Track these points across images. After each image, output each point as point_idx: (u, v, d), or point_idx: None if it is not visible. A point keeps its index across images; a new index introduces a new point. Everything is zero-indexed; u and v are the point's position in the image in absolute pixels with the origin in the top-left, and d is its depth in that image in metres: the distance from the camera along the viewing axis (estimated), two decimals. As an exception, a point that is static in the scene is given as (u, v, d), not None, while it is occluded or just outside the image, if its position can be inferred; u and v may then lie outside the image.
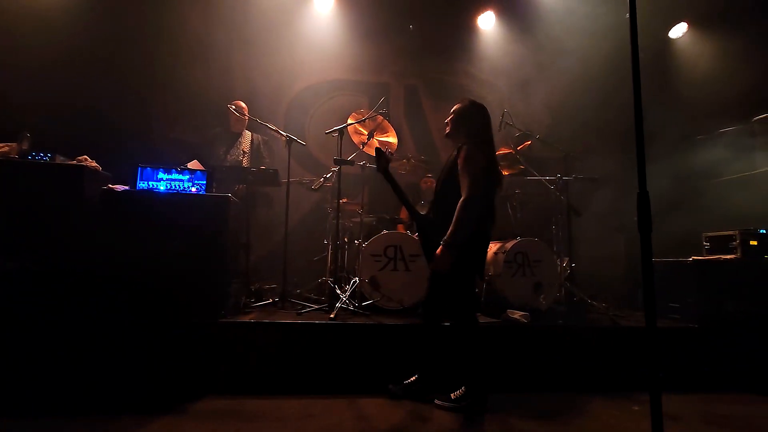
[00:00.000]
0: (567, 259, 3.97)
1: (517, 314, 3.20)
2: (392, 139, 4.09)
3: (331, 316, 3.02)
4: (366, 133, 3.92)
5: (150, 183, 3.06)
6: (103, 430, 2.11)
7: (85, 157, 2.95)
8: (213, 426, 2.18)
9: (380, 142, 4.04)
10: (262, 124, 3.83)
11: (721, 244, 3.47)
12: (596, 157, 4.53)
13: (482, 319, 3.10)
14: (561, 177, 3.92)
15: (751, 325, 3.12)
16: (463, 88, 5.57)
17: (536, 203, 4.35)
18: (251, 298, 3.52)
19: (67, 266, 2.62)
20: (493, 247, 3.72)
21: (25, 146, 2.90)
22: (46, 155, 2.87)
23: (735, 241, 3.34)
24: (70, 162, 2.90)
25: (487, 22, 5.48)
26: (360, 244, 3.57)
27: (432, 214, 2.66)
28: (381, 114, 3.85)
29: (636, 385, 2.80)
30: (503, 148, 4.07)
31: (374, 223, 4.00)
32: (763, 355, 3.02)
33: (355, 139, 3.93)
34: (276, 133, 3.83)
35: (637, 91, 1.51)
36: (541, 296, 3.49)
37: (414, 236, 3.45)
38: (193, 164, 3.45)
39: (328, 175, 4.02)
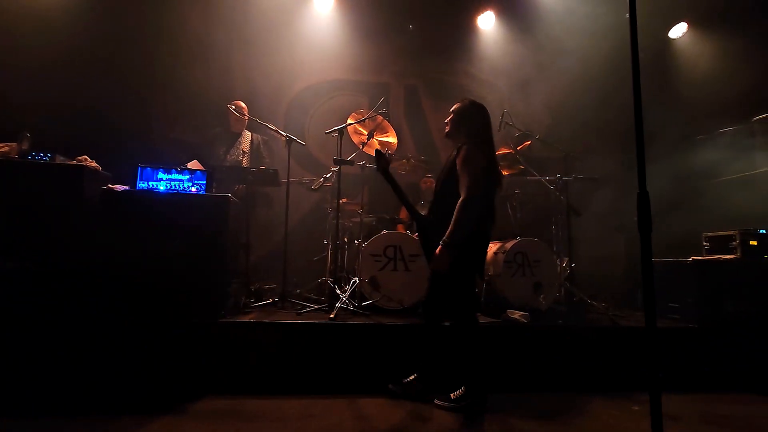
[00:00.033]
0: (567, 259, 3.97)
1: (516, 314, 3.20)
2: (392, 139, 4.10)
3: (331, 316, 3.02)
4: (366, 133, 3.92)
5: (150, 183, 3.06)
6: (103, 430, 2.11)
7: (85, 157, 2.95)
8: (213, 426, 2.18)
9: (380, 142, 4.04)
10: (262, 124, 3.83)
11: (720, 244, 3.46)
12: (596, 157, 4.53)
13: (482, 319, 3.10)
14: (561, 177, 3.92)
15: (751, 325, 3.12)
16: (463, 88, 5.57)
17: (536, 203, 4.36)
18: (251, 298, 3.52)
19: (67, 266, 2.62)
20: (492, 247, 3.72)
21: (25, 146, 2.90)
22: (46, 155, 2.87)
23: (735, 241, 3.34)
24: (70, 162, 2.90)
25: (487, 22, 5.48)
26: (360, 244, 3.57)
27: (432, 214, 2.66)
28: (381, 114, 3.85)
29: (636, 385, 2.80)
30: (503, 148, 4.07)
31: (374, 223, 4.00)
32: (763, 355, 3.02)
33: (355, 139, 3.93)
34: (276, 133, 3.83)
35: (637, 91, 1.51)
36: (541, 296, 3.49)
37: (414, 236, 3.45)
38: (193, 164, 3.45)
39: (327, 175, 4.02)
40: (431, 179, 4.52)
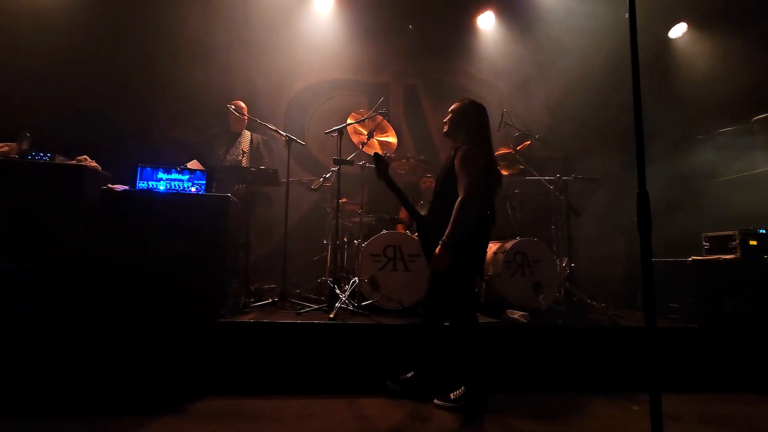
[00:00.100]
0: (566, 259, 3.97)
1: (516, 314, 3.20)
2: (392, 139, 4.10)
3: (331, 316, 3.02)
4: (365, 133, 3.92)
5: (150, 183, 3.06)
6: (103, 430, 2.11)
7: (85, 157, 2.95)
8: (213, 426, 2.18)
9: (380, 142, 4.04)
10: (261, 124, 3.83)
11: (720, 244, 3.46)
12: (596, 157, 4.54)
13: (482, 319, 3.10)
14: (560, 177, 3.92)
15: (750, 325, 3.12)
16: (463, 88, 5.57)
17: (536, 203, 4.36)
18: (251, 298, 3.52)
19: (67, 266, 2.62)
20: (492, 247, 3.73)
21: (25, 146, 2.90)
22: (46, 155, 2.87)
23: (735, 241, 3.34)
24: (70, 162, 2.90)
25: (486, 22, 5.48)
26: (359, 244, 3.57)
27: (431, 214, 2.66)
28: (380, 114, 3.85)
29: (636, 385, 2.80)
30: (503, 148, 4.07)
31: (374, 223, 4.01)
32: (763, 355, 3.02)
33: (355, 139, 3.93)
34: (275, 133, 3.83)
35: (637, 91, 1.51)
36: (541, 296, 3.49)
37: (413, 236, 3.45)
38: (193, 164, 3.45)
39: (327, 175, 4.02)
40: (431, 179, 4.52)
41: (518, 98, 5.30)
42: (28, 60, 4.10)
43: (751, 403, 2.82)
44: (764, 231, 3.34)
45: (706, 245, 3.60)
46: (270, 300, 3.54)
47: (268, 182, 3.76)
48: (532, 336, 3.04)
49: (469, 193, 2.36)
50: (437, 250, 2.39)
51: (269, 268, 4.24)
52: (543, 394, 2.81)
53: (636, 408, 2.59)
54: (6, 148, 2.83)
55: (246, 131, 4.35)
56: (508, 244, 3.54)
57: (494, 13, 5.44)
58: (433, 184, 2.88)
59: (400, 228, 4.05)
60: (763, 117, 4.00)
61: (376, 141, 4.01)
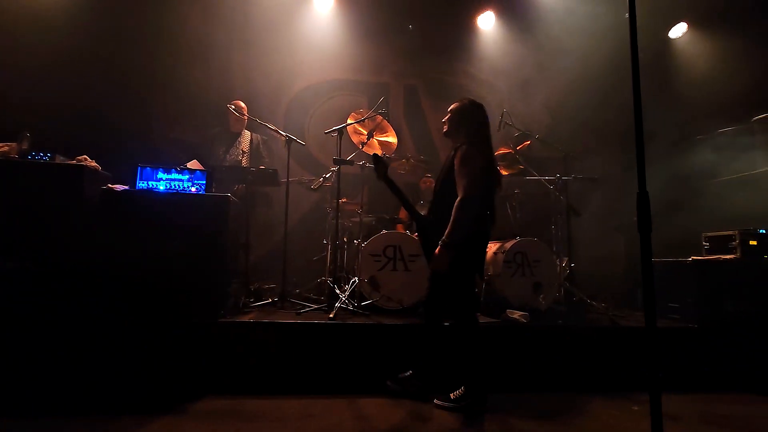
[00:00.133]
0: (566, 259, 3.97)
1: (516, 314, 3.20)
2: (392, 139, 4.10)
3: (331, 316, 3.02)
4: (365, 133, 3.92)
5: (150, 183, 3.06)
6: (103, 430, 2.11)
7: (85, 157, 2.95)
8: (213, 426, 2.18)
9: (380, 142, 4.05)
10: (261, 123, 3.83)
11: (720, 244, 3.46)
12: (596, 157, 4.53)
13: (482, 319, 3.10)
14: (560, 177, 3.92)
15: (751, 325, 3.12)
16: (463, 88, 5.57)
17: (536, 203, 4.35)
18: (251, 298, 3.52)
19: (67, 266, 2.62)
20: (492, 247, 3.73)
21: (25, 146, 2.90)
22: (45, 155, 2.87)
23: (735, 241, 3.34)
24: (69, 162, 2.90)
25: (486, 22, 5.48)
26: (359, 243, 3.57)
27: (431, 214, 2.66)
28: (380, 114, 3.85)
29: (636, 385, 2.80)
30: (503, 148, 4.07)
31: (373, 222, 4.01)
32: (763, 355, 3.02)
33: (355, 139, 3.93)
34: (275, 133, 3.83)
35: (637, 91, 1.51)
36: (541, 296, 3.49)
37: (413, 236, 3.45)
38: (193, 164, 3.45)
39: (327, 175, 4.02)
40: (431, 179, 4.52)
41: (518, 98, 5.29)
42: (28, 60, 4.10)
43: (751, 403, 2.83)
44: (764, 231, 3.34)
45: (706, 245, 3.60)
46: (270, 300, 3.54)
47: (268, 182, 3.76)
48: (532, 336, 3.04)
49: (468, 193, 2.36)
50: (437, 250, 2.39)
51: (269, 268, 4.23)
52: (543, 394, 2.81)
53: (636, 408, 2.60)
54: (6, 148, 2.83)
55: (246, 131, 4.35)
56: (508, 244, 3.54)
57: (494, 13, 5.44)
58: (433, 184, 2.88)
59: (400, 228, 4.05)
60: (763, 117, 4.00)
61: (376, 141, 4.01)
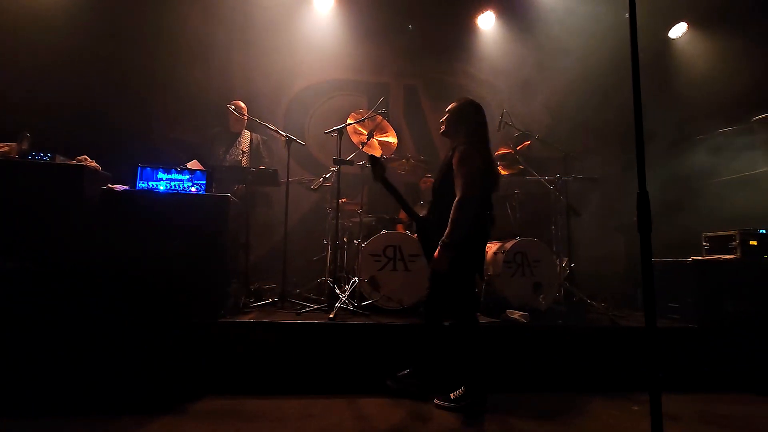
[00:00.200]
0: (566, 259, 3.97)
1: (516, 314, 3.20)
2: (392, 139, 4.10)
3: (331, 316, 3.02)
4: (365, 133, 3.92)
5: (150, 183, 3.06)
6: (103, 430, 2.11)
7: (85, 157, 2.95)
8: (213, 426, 2.18)
9: (380, 142, 4.04)
10: (261, 123, 3.83)
11: (720, 244, 3.46)
12: (596, 157, 4.53)
13: (482, 319, 3.10)
14: (560, 177, 3.93)
15: (751, 325, 3.12)
16: (463, 88, 5.57)
17: (536, 203, 4.35)
18: (251, 298, 3.52)
19: (67, 266, 2.62)
20: (492, 247, 3.73)
21: (25, 146, 2.90)
22: (46, 155, 2.87)
23: (735, 241, 3.34)
24: (70, 162, 2.90)
25: (487, 22, 5.48)
26: (359, 244, 3.57)
27: (430, 214, 2.67)
28: (380, 114, 3.85)
29: (636, 385, 2.80)
30: (503, 148, 4.07)
31: (373, 223, 4.00)
32: (763, 355, 3.02)
33: (355, 139, 3.93)
34: (275, 133, 3.83)
35: (637, 91, 1.51)
36: (541, 296, 3.49)
37: (413, 236, 3.45)
38: (193, 164, 3.45)
39: (327, 175, 4.02)
40: (431, 179, 4.51)
41: (518, 98, 5.29)
42: (28, 60, 4.10)
43: (751, 403, 2.83)
44: (764, 231, 3.34)
45: (706, 245, 3.60)
46: (270, 300, 3.54)
47: (268, 182, 3.76)
48: (532, 336, 3.04)
49: (467, 193, 2.36)
50: (437, 250, 2.39)
51: (269, 268, 4.23)
52: (543, 394, 2.81)
53: (636, 408, 2.60)
54: (6, 148, 2.83)
55: (246, 131, 4.35)
56: (508, 244, 3.54)
57: (494, 13, 5.44)
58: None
59: (400, 228, 4.05)
60: (763, 117, 4.00)
61: (376, 141, 4.01)
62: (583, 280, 4.06)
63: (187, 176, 3.11)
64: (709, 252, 3.56)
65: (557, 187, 3.91)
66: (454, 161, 2.45)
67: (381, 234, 3.50)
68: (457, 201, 2.37)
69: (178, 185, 3.09)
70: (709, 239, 3.59)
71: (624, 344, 3.07)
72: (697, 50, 5.04)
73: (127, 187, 2.97)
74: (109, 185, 2.91)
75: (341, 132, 3.63)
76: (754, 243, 3.31)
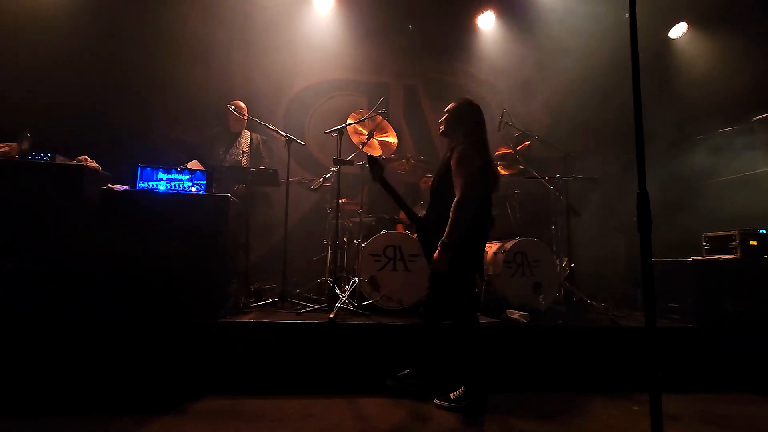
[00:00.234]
0: (566, 259, 3.97)
1: (516, 314, 3.20)
2: (392, 139, 4.10)
3: (331, 316, 3.02)
4: (365, 133, 3.92)
5: (150, 183, 3.06)
6: (103, 430, 2.11)
7: (85, 157, 2.95)
8: (213, 426, 2.18)
9: (380, 142, 4.05)
10: (261, 124, 3.83)
11: (720, 244, 3.46)
12: (596, 157, 4.53)
13: (482, 319, 3.09)
14: (560, 177, 3.93)
15: (751, 325, 3.12)
16: (463, 88, 5.57)
17: (536, 203, 4.35)
18: (251, 298, 3.52)
19: (67, 266, 2.62)
20: (492, 247, 3.73)
21: (25, 146, 2.90)
22: (46, 155, 2.87)
23: (735, 241, 3.34)
24: (70, 162, 2.90)
25: (487, 22, 5.48)
26: (359, 244, 3.57)
27: (429, 214, 2.67)
28: (380, 114, 3.86)
29: (636, 385, 2.80)
30: (503, 148, 4.07)
31: (373, 223, 4.00)
32: (763, 355, 3.02)
33: (355, 139, 3.93)
34: (275, 133, 3.83)
35: (637, 91, 1.51)
36: (541, 296, 3.49)
37: (413, 236, 3.45)
38: (193, 164, 3.45)
39: (327, 175, 4.02)
40: (431, 179, 4.51)
41: (518, 98, 5.29)
42: (28, 60, 4.10)
43: (751, 403, 2.83)
44: (764, 231, 3.34)
45: (706, 245, 3.60)
46: (270, 300, 3.54)
47: (268, 182, 3.76)
48: (532, 336, 3.04)
49: (465, 193, 2.36)
50: (437, 251, 2.39)
51: (269, 268, 4.23)
52: (543, 394, 2.81)
53: (636, 408, 2.60)
54: (6, 148, 2.83)
55: (246, 131, 4.35)
56: (508, 244, 3.54)
57: (494, 13, 5.44)
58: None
59: (400, 228, 4.05)
60: (763, 117, 4.00)
61: (376, 141, 4.01)
62: (583, 280, 4.06)
63: (187, 176, 3.11)
64: (709, 252, 3.55)
65: (557, 187, 3.91)
66: (452, 161, 2.45)
67: (381, 234, 3.50)
68: (456, 201, 2.37)
69: (178, 185, 3.09)
70: (709, 239, 3.59)
71: (624, 344, 3.07)
72: (697, 50, 5.04)
73: (127, 187, 2.97)
74: (109, 185, 2.91)
75: (341, 132, 3.63)
76: (754, 243, 3.31)
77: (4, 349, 2.43)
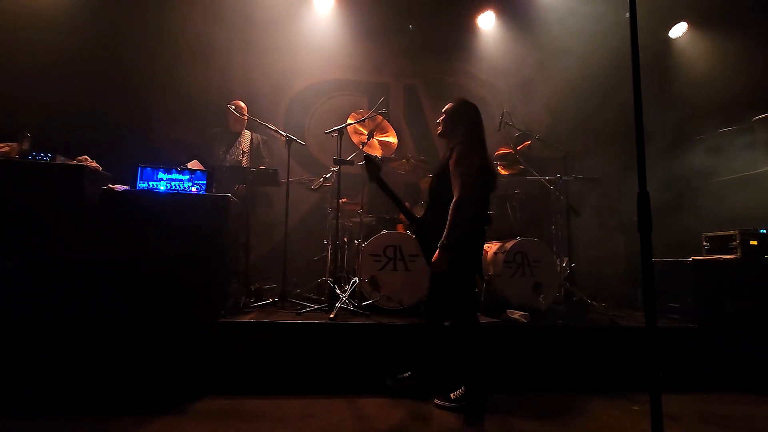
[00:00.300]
0: (566, 259, 3.97)
1: (516, 314, 3.20)
2: (392, 138, 4.10)
3: (331, 316, 3.02)
4: (366, 133, 3.92)
5: (150, 183, 3.06)
6: (103, 430, 2.11)
7: (86, 157, 2.95)
8: (213, 426, 2.18)
9: (380, 142, 4.05)
10: (261, 123, 3.83)
11: (721, 244, 3.46)
12: (596, 157, 4.53)
13: (482, 319, 3.09)
14: (561, 177, 3.93)
15: (751, 325, 3.12)
16: (463, 88, 5.57)
17: (536, 203, 4.35)
18: (251, 298, 3.52)
19: (67, 266, 2.62)
20: (492, 247, 3.73)
21: (25, 146, 2.91)
22: (46, 155, 2.87)
23: (735, 241, 3.34)
24: (70, 162, 2.91)
25: (487, 22, 5.48)
26: (360, 243, 3.57)
27: (427, 214, 2.67)
28: (380, 114, 3.86)
29: (636, 385, 2.80)
30: (503, 148, 4.07)
31: (374, 223, 4.00)
32: (763, 355, 3.02)
33: (355, 139, 3.93)
34: (275, 133, 3.83)
35: (637, 91, 1.51)
36: (541, 296, 3.49)
37: (413, 236, 3.45)
38: (193, 164, 3.45)
39: (327, 175, 4.02)
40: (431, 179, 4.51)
41: (518, 98, 5.29)
42: (28, 60, 4.10)
43: (751, 403, 2.83)
44: (764, 231, 3.33)
45: (707, 245, 3.60)
46: (270, 300, 3.54)
47: (268, 182, 3.76)
48: (532, 336, 3.04)
49: (464, 194, 2.36)
50: (436, 252, 2.39)
51: (269, 268, 4.24)
52: (543, 394, 2.81)
53: (636, 408, 2.60)
54: (7, 149, 2.83)
55: (246, 131, 4.35)
56: (509, 244, 3.54)
57: (494, 13, 5.44)
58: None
59: (400, 228, 4.04)
60: (763, 117, 4.00)
61: (376, 141, 4.01)
62: (583, 280, 4.05)
63: (187, 176, 3.11)
64: (710, 252, 3.55)
65: (557, 187, 3.91)
66: (451, 162, 2.45)
67: (381, 234, 3.50)
68: (455, 202, 2.37)
69: (179, 185, 3.09)
70: (709, 239, 3.59)
71: (624, 344, 3.07)
72: (697, 50, 5.04)
73: (127, 187, 2.97)
74: (110, 185, 2.91)
75: (341, 132, 3.63)
76: (755, 243, 3.31)
77: (4, 349, 2.43)
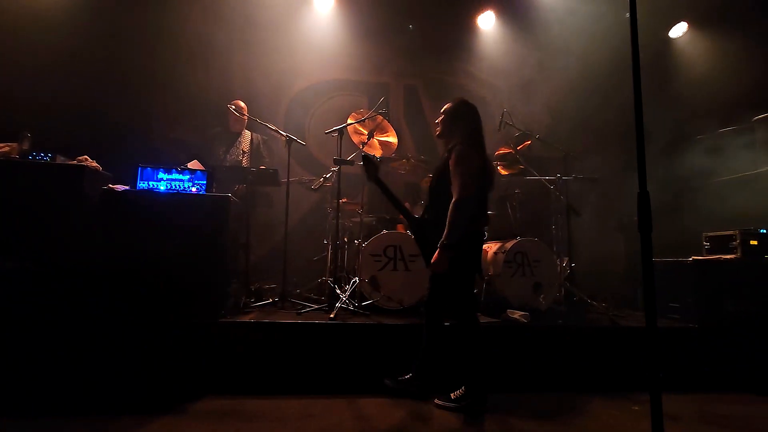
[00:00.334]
0: (567, 259, 3.97)
1: (516, 314, 3.20)
2: (392, 139, 4.10)
3: (331, 316, 3.02)
4: (366, 132, 3.92)
5: (150, 183, 3.06)
6: (103, 430, 2.11)
7: (86, 157, 2.95)
8: (213, 426, 2.18)
9: (380, 142, 4.05)
10: (262, 123, 3.83)
11: (721, 244, 3.46)
12: (596, 157, 4.53)
13: (482, 319, 3.09)
14: (560, 177, 3.92)
15: (751, 325, 3.12)
16: (463, 88, 5.57)
17: (536, 203, 4.35)
18: (251, 298, 3.52)
19: (67, 266, 2.62)
20: (492, 247, 3.73)
21: (25, 146, 2.91)
22: (46, 155, 2.87)
23: (735, 241, 3.34)
24: (70, 162, 2.91)
25: (487, 22, 5.48)
26: (360, 243, 3.57)
27: (426, 214, 2.67)
28: (381, 114, 3.86)
29: (636, 385, 2.80)
30: (503, 148, 4.07)
31: (374, 222, 4.00)
32: (763, 355, 3.02)
33: (355, 139, 3.93)
34: (276, 133, 3.83)
35: (637, 91, 1.51)
36: (541, 296, 3.49)
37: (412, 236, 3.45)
38: (193, 164, 3.45)
39: (327, 175, 4.02)
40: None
41: (518, 98, 5.29)
42: (28, 60, 4.10)
43: (751, 403, 2.83)
44: (764, 231, 3.33)
45: (707, 245, 3.59)
46: (270, 300, 3.54)
47: (268, 182, 3.77)
48: (532, 336, 3.04)
49: (463, 194, 2.37)
50: (437, 252, 2.38)
51: (269, 268, 4.24)
52: (543, 394, 2.81)
53: (636, 408, 2.60)
54: (7, 149, 2.83)
55: (246, 131, 4.35)
56: (509, 244, 3.54)
57: (494, 13, 5.44)
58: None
59: (400, 228, 4.04)
60: (763, 117, 4.00)
61: (376, 141, 4.01)
62: (583, 280, 4.05)
63: (187, 176, 3.11)
64: (710, 252, 3.55)
65: (557, 187, 3.91)
66: (450, 162, 2.45)
67: (381, 234, 3.50)
68: (454, 202, 2.37)
69: (179, 185, 3.09)
70: (709, 239, 3.58)
71: (624, 344, 3.07)
72: (697, 50, 5.04)
73: (127, 187, 2.97)
74: (110, 185, 2.91)
75: (342, 132, 3.63)
76: (755, 243, 3.31)
77: (4, 349, 2.43)
